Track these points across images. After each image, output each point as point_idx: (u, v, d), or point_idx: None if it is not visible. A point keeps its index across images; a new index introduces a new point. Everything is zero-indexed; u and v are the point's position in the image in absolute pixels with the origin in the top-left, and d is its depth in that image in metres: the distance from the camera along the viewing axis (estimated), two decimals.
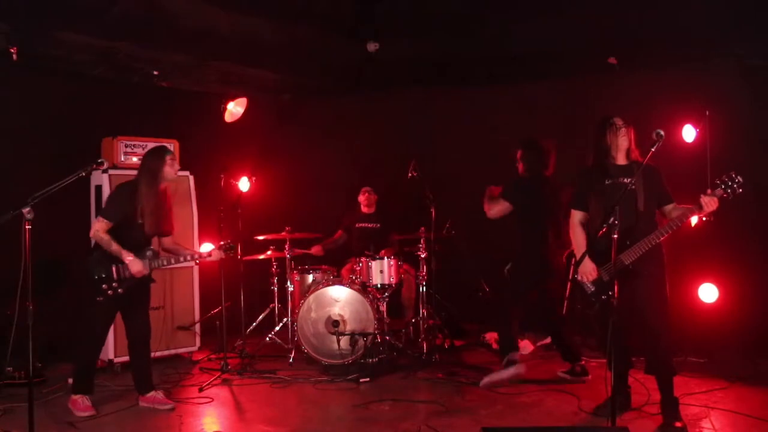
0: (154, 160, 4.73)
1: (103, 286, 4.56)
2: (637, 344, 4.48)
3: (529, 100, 7.11)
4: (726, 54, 5.86)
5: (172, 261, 4.86)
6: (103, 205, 4.77)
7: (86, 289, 4.61)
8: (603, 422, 4.09)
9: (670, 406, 4.16)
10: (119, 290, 4.60)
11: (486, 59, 6.86)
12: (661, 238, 4.10)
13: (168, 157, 4.75)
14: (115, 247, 4.54)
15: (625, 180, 4.15)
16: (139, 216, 4.64)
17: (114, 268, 4.57)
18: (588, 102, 6.61)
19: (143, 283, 4.75)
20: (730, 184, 3.88)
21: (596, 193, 4.28)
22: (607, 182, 4.24)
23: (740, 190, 3.89)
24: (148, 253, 4.69)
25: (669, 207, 4.25)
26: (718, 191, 3.91)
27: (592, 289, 4.26)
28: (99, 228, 4.57)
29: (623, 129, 4.28)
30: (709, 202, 3.91)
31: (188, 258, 5.02)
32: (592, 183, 4.33)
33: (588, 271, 4.26)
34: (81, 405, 4.62)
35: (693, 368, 5.33)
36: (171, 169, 4.76)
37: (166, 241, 4.92)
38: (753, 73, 5.85)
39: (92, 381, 4.75)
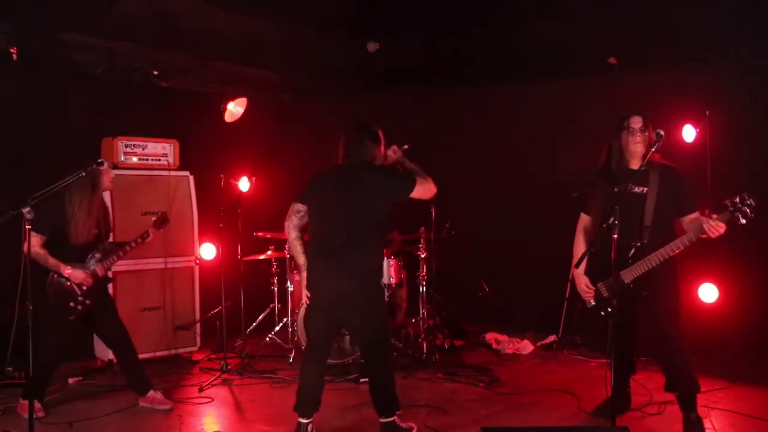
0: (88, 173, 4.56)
1: (71, 304, 4.55)
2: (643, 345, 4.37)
3: (529, 100, 7.11)
4: (726, 54, 5.85)
5: (120, 254, 4.79)
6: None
7: (45, 304, 4.50)
8: (603, 422, 4.09)
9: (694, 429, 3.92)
10: (87, 302, 4.59)
11: (486, 59, 6.85)
12: (663, 259, 3.72)
13: (103, 168, 4.62)
14: (51, 261, 4.47)
15: (636, 187, 3.83)
16: (67, 226, 4.54)
17: (73, 285, 4.54)
18: (588, 102, 6.61)
19: (100, 289, 4.71)
20: (740, 206, 3.49)
21: (603, 199, 3.93)
22: (616, 189, 3.88)
23: (752, 215, 3.49)
24: (97, 255, 4.66)
25: (690, 217, 3.80)
26: (726, 215, 3.53)
27: (592, 303, 4.06)
28: (33, 243, 4.34)
29: (638, 132, 3.91)
30: (713, 228, 3.54)
31: (133, 245, 4.84)
32: (599, 187, 4.03)
33: (582, 289, 4.06)
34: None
35: (693, 368, 5.32)
36: (107, 178, 4.73)
37: (107, 244, 4.80)
38: (753, 73, 5.84)
39: (47, 388, 4.73)
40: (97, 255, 4.67)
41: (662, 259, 3.72)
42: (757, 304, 5.73)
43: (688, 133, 5.80)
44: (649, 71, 6.22)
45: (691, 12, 5.61)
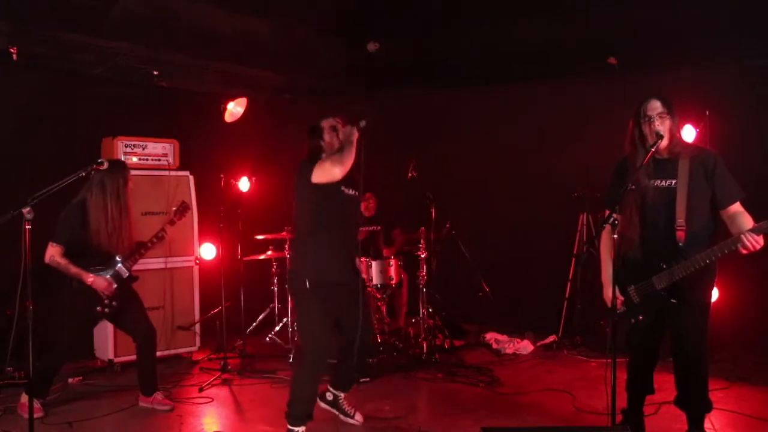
0: (114, 177, 4.57)
1: (98, 309, 4.59)
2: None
3: (529, 100, 7.11)
4: (726, 54, 5.85)
5: (142, 252, 4.81)
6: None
7: (62, 299, 4.57)
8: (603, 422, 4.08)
9: None
10: (113, 304, 4.63)
11: (486, 59, 6.86)
12: (700, 266, 3.29)
13: (129, 173, 4.68)
14: (73, 270, 4.47)
15: (662, 181, 3.44)
16: (93, 233, 4.51)
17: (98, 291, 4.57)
18: (588, 102, 6.61)
19: (125, 289, 4.73)
20: None
21: (625, 194, 3.41)
22: (631, 185, 3.45)
23: None
24: (118, 257, 4.66)
25: (731, 210, 3.34)
26: (763, 226, 3.14)
27: (623, 309, 3.64)
28: (53, 254, 4.44)
29: (657, 119, 3.46)
30: (752, 243, 3.15)
31: (154, 241, 4.88)
32: (621, 181, 3.54)
33: (607, 297, 3.55)
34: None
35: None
36: (131, 184, 4.72)
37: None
38: (753, 73, 5.85)
39: (50, 387, 4.71)
40: (119, 257, 4.67)
41: (699, 267, 3.31)
42: (757, 304, 5.73)
43: (688, 133, 5.80)
44: (649, 71, 6.22)
45: (691, 12, 5.62)
